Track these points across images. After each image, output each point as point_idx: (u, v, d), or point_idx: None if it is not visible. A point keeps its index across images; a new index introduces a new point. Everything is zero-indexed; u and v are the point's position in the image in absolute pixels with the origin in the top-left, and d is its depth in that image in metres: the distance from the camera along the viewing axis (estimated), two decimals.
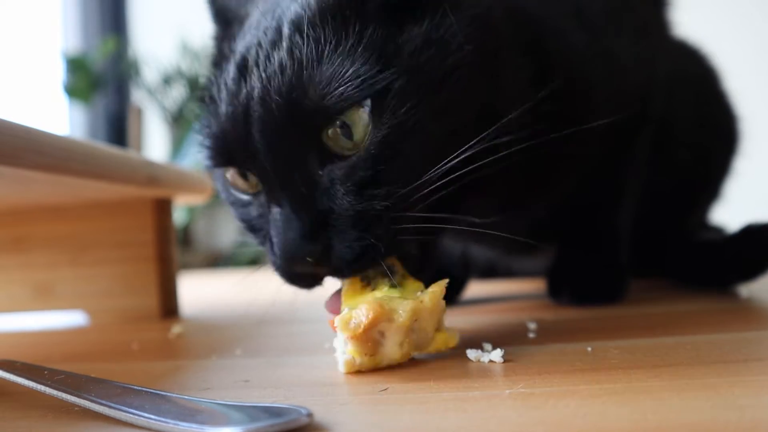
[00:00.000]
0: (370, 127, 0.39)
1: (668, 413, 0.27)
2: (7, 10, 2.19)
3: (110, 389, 0.34)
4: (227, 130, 0.42)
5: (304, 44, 0.40)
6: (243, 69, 0.42)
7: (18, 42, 2.21)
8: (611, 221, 0.63)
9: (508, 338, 0.46)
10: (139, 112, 2.32)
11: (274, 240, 0.41)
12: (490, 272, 0.86)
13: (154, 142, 2.55)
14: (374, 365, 0.39)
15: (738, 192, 0.83)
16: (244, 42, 0.44)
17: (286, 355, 0.47)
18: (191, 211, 2.37)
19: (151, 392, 0.34)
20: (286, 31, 0.41)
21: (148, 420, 0.30)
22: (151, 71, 2.51)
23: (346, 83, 0.38)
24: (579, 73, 0.53)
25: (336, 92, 0.38)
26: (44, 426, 0.32)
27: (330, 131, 0.40)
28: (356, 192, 0.39)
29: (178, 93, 2.53)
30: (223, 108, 0.42)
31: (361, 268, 0.41)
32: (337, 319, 0.39)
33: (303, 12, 0.41)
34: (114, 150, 0.60)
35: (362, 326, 0.37)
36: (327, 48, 0.39)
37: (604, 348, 0.40)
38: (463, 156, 0.41)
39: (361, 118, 0.39)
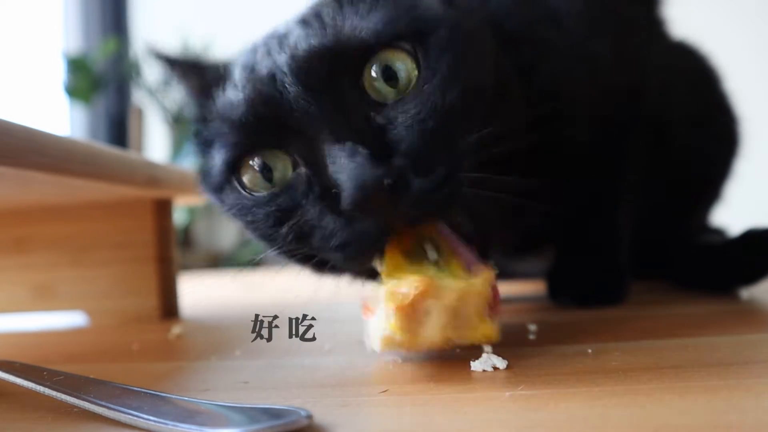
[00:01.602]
0: (416, 72, 0.41)
1: (669, 416, 0.27)
2: (8, 10, 2.19)
3: (110, 390, 0.34)
4: (252, 108, 0.41)
5: (330, 11, 0.42)
6: (266, 52, 0.43)
7: (18, 42, 2.21)
8: (610, 223, 0.63)
9: (508, 340, 0.45)
10: (139, 113, 2.32)
11: (343, 176, 0.38)
12: None
13: (155, 142, 2.55)
14: (413, 346, 0.37)
15: (739, 194, 0.83)
16: (251, 48, 0.46)
17: (286, 356, 0.47)
18: (192, 211, 2.37)
19: (150, 393, 0.34)
20: (303, 12, 0.43)
21: (147, 421, 0.30)
22: (152, 72, 2.51)
23: (379, 23, 0.40)
24: (560, 77, 0.52)
25: (372, 29, 0.40)
26: (43, 427, 0.32)
27: (370, 79, 0.40)
28: (413, 125, 0.39)
29: (179, 94, 2.53)
30: (239, 95, 0.42)
31: (438, 206, 0.39)
32: (384, 289, 0.37)
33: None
34: (114, 150, 0.60)
35: (411, 297, 0.36)
36: (351, 9, 0.42)
37: (604, 350, 0.40)
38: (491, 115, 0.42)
39: (405, 61, 0.41)
